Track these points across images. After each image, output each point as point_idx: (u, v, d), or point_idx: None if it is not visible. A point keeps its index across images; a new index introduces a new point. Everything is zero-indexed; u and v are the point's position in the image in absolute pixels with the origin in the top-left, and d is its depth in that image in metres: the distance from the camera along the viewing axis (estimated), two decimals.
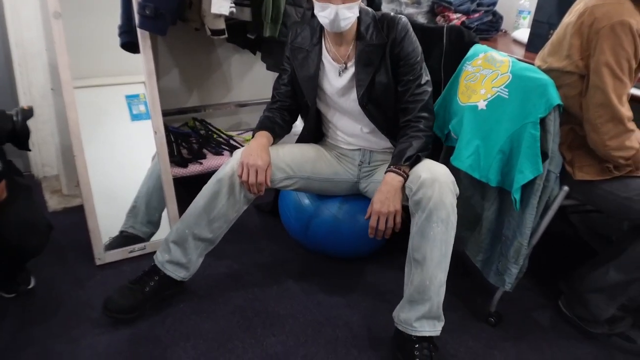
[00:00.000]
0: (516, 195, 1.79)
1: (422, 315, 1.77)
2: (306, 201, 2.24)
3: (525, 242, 1.84)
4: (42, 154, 2.84)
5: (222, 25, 2.18)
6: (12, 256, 1.88)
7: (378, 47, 1.90)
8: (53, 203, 2.67)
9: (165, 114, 2.37)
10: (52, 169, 2.89)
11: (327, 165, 2.11)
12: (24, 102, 2.66)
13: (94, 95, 2.48)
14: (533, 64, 1.87)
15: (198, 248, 1.98)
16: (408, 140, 1.89)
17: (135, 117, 2.65)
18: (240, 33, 2.39)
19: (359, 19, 1.91)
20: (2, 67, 2.85)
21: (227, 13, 2.13)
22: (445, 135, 2.07)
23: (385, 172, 1.85)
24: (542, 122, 1.71)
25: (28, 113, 1.20)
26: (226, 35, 2.22)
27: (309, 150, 2.12)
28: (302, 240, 2.36)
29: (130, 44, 2.33)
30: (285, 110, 2.10)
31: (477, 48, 2.03)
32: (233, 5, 2.14)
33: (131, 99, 2.64)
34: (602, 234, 2.52)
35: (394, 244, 2.16)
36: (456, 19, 2.78)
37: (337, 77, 1.98)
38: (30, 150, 1.18)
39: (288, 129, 2.13)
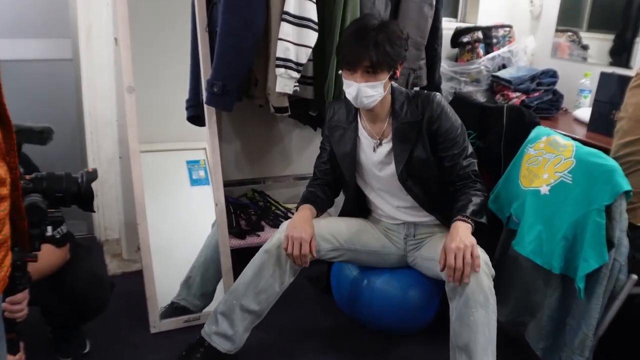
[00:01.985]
0: (580, 284, 1.73)
1: None
2: (355, 274, 2.22)
3: (591, 332, 1.76)
4: (106, 217, 2.94)
5: (285, 103, 2.25)
6: (77, 313, 1.94)
7: (413, 123, 1.95)
8: (113, 267, 2.74)
9: (225, 184, 2.43)
10: (114, 232, 2.97)
11: (373, 237, 2.12)
12: (91, 167, 2.78)
13: (157, 159, 2.57)
14: (597, 147, 1.84)
15: (245, 320, 1.98)
16: (467, 197, 1.92)
17: (194, 182, 2.72)
18: (303, 109, 2.45)
19: (392, 97, 1.97)
20: (75, 134, 3.01)
21: (291, 92, 2.19)
22: (506, 218, 2.04)
23: (452, 222, 1.86)
24: (608, 209, 1.67)
25: (92, 175, 1.24)
26: (289, 113, 2.28)
27: (354, 223, 2.14)
28: (351, 314, 2.32)
29: (196, 118, 2.42)
30: (326, 186, 2.14)
31: (539, 130, 2.02)
32: (297, 84, 2.20)
33: (192, 164, 2.72)
34: None
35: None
36: (515, 97, 2.79)
37: (372, 153, 2.02)
38: (94, 212, 1.23)
39: (330, 203, 2.16)
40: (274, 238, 1.96)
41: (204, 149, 2.74)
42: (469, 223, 1.83)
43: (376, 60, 1.80)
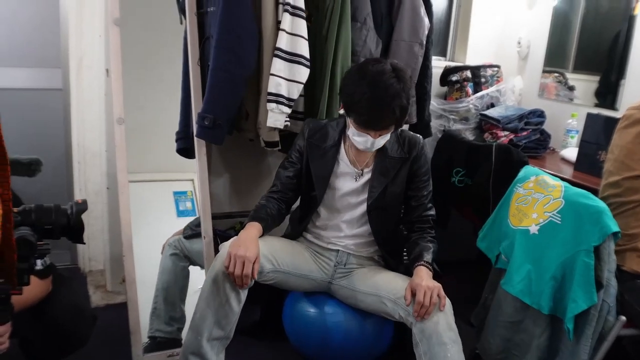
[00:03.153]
0: (569, 325, 1.73)
1: None
2: (311, 311, 2.12)
3: None
4: (91, 248, 2.90)
5: (276, 137, 2.25)
6: (57, 346, 1.87)
7: (398, 160, 2.04)
8: (96, 298, 2.69)
9: (213, 217, 2.41)
10: (98, 263, 2.93)
11: (304, 261, 2.09)
12: (78, 198, 2.75)
13: (144, 190, 2.56)
14: (584, 187, 1.85)
15: (215, 347, 1.92)
16: (426, 244, 2.01)
17: (181, 214, 2.71)
18: (291, 144, 2.45)
19: None
20: (62, 165, 2.99)
21: (282, 127, 2.20)
22: (495, 257, 2.04)
23: (415, 267, 1.92)
24: (596, 250, 1.68)
25: (82, 207, 1.22)
26: (280, 148, 2.28)
27: (288, 245, 2.12)
28: (299, 348, 2.23)
29: (185, 150, 2.42)
30: (284, 202, 2.13)
31: (527, 170, 2.03)
32: (288, 119, 2.21)
33: (179, 195, 2.71)
34: None
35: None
36: (504, 136, 2.81)
37: (351, 181, 2.06)
38: (84, 244, 1.20)
39: (280, 221, 2.15)
40: (216, 264, 1.87)
41: (192, 180, 2.73)
42: (430, 269, 1.92)
43: (399, 121, 1.92)
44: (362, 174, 2.05)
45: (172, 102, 2.45)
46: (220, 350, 1.94)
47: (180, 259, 2.42)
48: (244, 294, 1.91)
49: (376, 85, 1.85)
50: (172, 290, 2.36)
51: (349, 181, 2.06)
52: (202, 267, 2.40)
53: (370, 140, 1.91)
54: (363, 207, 2.06)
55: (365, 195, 2.05)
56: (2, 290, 1.06)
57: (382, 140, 1.95)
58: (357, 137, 1.93)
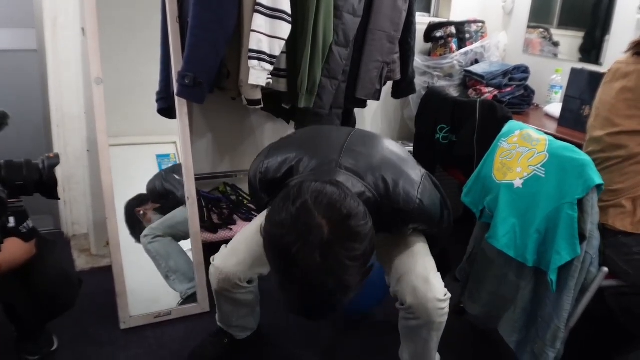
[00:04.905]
0: (552, 277, 1.74)
1: None
2: None
3: (563, 325, 1.78)
4: (74, 212, 2.86)
5: (258, 95, 2.22)
6: (44, 310, 1.87)
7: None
8: (81, 262, 2.67)
9: (196, 178, 2.39)
10: (81, 227, 2.90)
11: None
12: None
13: (126, 153, 2.51)
14: (568, 142, 1.85)
15: (247, 316, 2.00)
16: None
17: None
18: (275, 102, 2.43)
19: None
20: (40, 129, 2.93)
21: (264, 84, 2.17)
22: (480, 212, 2.05)
23: None
24: (580, 202, 1.68)
25: (54, 161, 1.18)
26: (262, 105, 2.25)
27: None
28: None
29: (166, 110, 2.38)
30: None
31: (512, 125, 2.02)
32: (270, 76, 2.18)
33: (162, 158, 2.67)
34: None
35: None
36: (488, 92, 2.80)
37: None
38: (59, 199, 1.17)
39: None
40: (213, 280, 1.82)
41: (174, 142, 2.68)
42: None
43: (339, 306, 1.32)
44: None
45: (152, 62, 2.39)
46: (250, 314, 2.02)
47: (161, 239, 2.44)
48: (252, 286, 1.86)
49: (303, 291, 1.25)
50: (176, 263, 2.39)
51: None
52: (185, 237, 2.42)
53: None
54: None
55: None
56: None
57: None
58: None
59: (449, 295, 1.64)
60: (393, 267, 1.71)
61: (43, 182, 1.14)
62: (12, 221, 1.11)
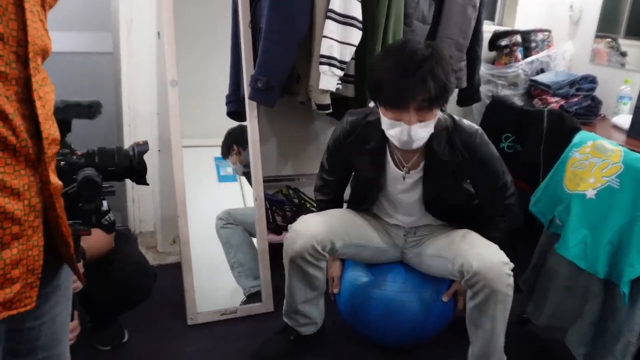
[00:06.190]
0: (625, 289, 1.72)
1: None
2: (361, 277, 2.09)
3: (634, 338, 1.75)
4: (141, 210, 2.96)
5: (328, 100, 2.25)
6: (120, 300, 1.96)
7: (449, 163, 1.82)
8: (148, 259, 2.74)
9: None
10: (148, 225, 2.99)
11: (376, 233, 2.05)
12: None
13: (186, 155, 2.59)
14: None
15: (311, 304, 2.06)
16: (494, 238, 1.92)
17: (222, 179, 2.74)
18: (341, 108, 2.45)
19: None
20: (113, 129, 3.05)
21: (334, 89, 2.20)
22: (548, 222, 2.03)
23: None
24: None
25: (144, 148, 1.22)
26: (331, 110, 2.29)
27: (358, 217, 2.08)
28: (354, 326, 2.19)
29: (235, 113, 2.45)
30: (337, 201, 2.19)
31: (584, 135, 2.01)
32: (340, 82, 2.21)
33: (220, 160, 2.73)
34: None
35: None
36: (554, 102, 2.77)
37: (399, 182, 1.93)
38: (147, 185, 1.21)
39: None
40: (289, 246, 1.93)
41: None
42: None
43: (435, 94, 1.60)
44: (408, 173, 1.89)
45: (215, 67, 2.48)
46: (315, 303, 2.07)
47: (235, 227, 2.51)
48: (323, 260, 1.96)
49: (399, 53, 1.64)
50: (245, 256, 2.46)
51: (398, 183, 1.93)
52: (252, 234, 2.48)
53: (406, 130, 1.66)
54: (418, 204, 1.96)
55: (417, 193, 1.93)
56: (72, 231, 1.10)
57: (422, 130, 1.68)
58: (391, 131, 1.71)
59: (512, 265, 1.78)
60: (457, 248, 1.87)
61: (133, 168, 1.19)
62: (105, 205, 1.16)
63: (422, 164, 1.87)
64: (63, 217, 0.91)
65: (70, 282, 1.05)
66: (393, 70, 1.62)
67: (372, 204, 2.08)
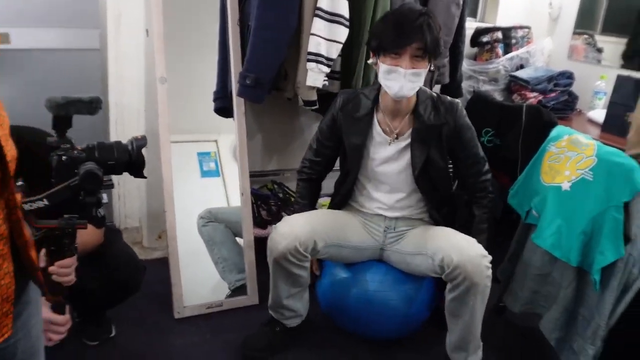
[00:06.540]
0: (596, 277, 1.80)
1: None
2: (340, 274, 2.16)
3: (604, 322, 1.82)
4: (127, 206, 2.97)
5: (314, 96, 2.30)
6: (110, 294, 1.97)
7: (434, 127, 1.99)
8: None
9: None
10: (133, 220, 2.99)
11: (355, 232, 2.10)
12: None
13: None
14: (618, 148, 1.90)
15: (295, 298, 2.10)
16: (480, 224, 2.09)
17: (205, 174, 2.77)
18: (326, 103, 2.50)
19: (417, 96, 1.99)
20: (99, 125, 3.05)
21: (320, 86, 2.25)
22: (525, 213, 2.11)
23: None
24: (626, 206, 1.74)
25: (142, 142, 1.24)
26: (317, 106, 2.33)
27: (336, 216, 2.15)
28: (334, 317, 2.27)
29: (223, 109, 2.49)
30: (319, 180, 2.26)
31: (560, 130, 2.08)
32: (326, 78, 2.26)
33: (202, 156, 2.76)
34: None
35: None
36: (533, 97, 2.85)
37: (384, 147, 2.04)
38: (146, 178, 1.24)
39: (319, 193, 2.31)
40: (272, 247, 1.97)
41: (215, 140, 2.78)
42: None
43: (430, 42, 1.81)
44: (396, 139, 2.02)
45: (202, 63, 2.52)
46: (300, 297, 2.12)
47: (217, 225, 2.55)
48: (306, 260, 2.01)
49: (399, 10, 1.96)
50: (228, 252, 2.50)
51: (383, 149, 2.04)
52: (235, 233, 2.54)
53: (402, 73, 1.82)
54: (403, 175, 2.04)
55: (402, 162, 2.03)
56: (69, 224, 1.14)
57: (414, 78, 1.84)
58: (388, 80, 1.86)
59: (490, 257, 1.87)
60: (436, 244, 1.95)
61: (132, 162, 1.22)
62: (105, 197, 1.19)
63: (409, 131, 2.01)
64: (30, 242, 0.91)
65: (38, 291, 1.05)
66: (394, 21, 1.85)
67: (354, 183, 2.13)
